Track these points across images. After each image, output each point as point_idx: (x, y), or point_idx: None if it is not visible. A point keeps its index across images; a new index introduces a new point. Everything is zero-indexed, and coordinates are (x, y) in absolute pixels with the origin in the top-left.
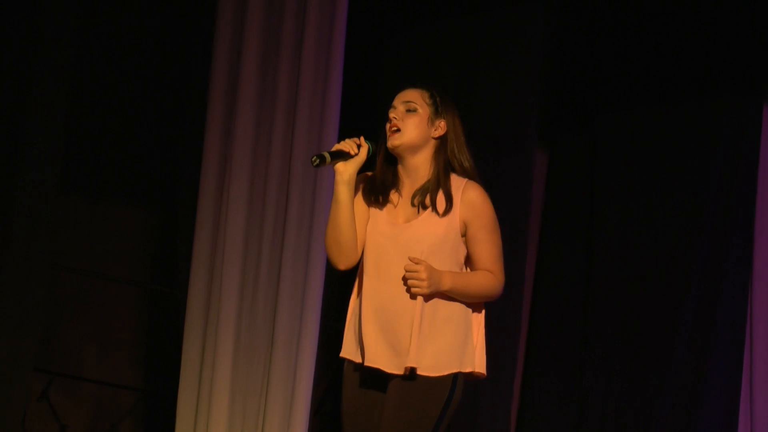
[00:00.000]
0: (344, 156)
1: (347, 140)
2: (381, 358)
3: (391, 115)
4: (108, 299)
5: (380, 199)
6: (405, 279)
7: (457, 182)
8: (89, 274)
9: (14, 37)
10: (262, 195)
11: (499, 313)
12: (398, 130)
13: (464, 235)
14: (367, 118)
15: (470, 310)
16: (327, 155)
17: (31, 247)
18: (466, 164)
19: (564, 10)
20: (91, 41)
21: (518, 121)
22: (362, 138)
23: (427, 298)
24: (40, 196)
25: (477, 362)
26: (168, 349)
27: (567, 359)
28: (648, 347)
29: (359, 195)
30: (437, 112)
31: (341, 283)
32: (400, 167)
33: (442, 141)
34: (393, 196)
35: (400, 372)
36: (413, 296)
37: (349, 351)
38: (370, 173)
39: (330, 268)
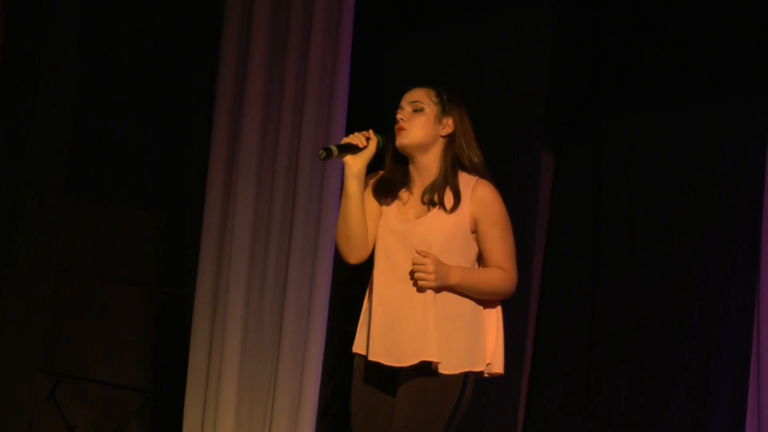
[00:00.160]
0: (353, 149)
1: (356, 133)
2: (388, 353)
3: (399, 116)
4: (114, 300)
5: (391, 197)
6: (412, 272)
7: (466, 179)
8: (96, 275)
9: (21, 40)
10: (269, 196)
11: (506, 314)
12: (405, 130)
13: (475, 232)
14: (373, 117)
15: (482, 308)
16: (334, 148)
17: (37, 249)
18: (476, 159)
19: (571, 11)
20: (96, 43)
21: (525, 123)
22: (371, 131)
23: (438, 294)
24: (46, 198)
25: (495, 361)
26: (175, 350)
27: (574, 360)
28: (655, 348)
29: (370, 193)
30: (444, 110)
31: (348, 284)
32: (410, 166)
33: (450, 138)
34: (403, 194)
35: (409, 364)
36: (422, 290)
37: (360, 346)
38: (381, 171)
39: (337, 269)
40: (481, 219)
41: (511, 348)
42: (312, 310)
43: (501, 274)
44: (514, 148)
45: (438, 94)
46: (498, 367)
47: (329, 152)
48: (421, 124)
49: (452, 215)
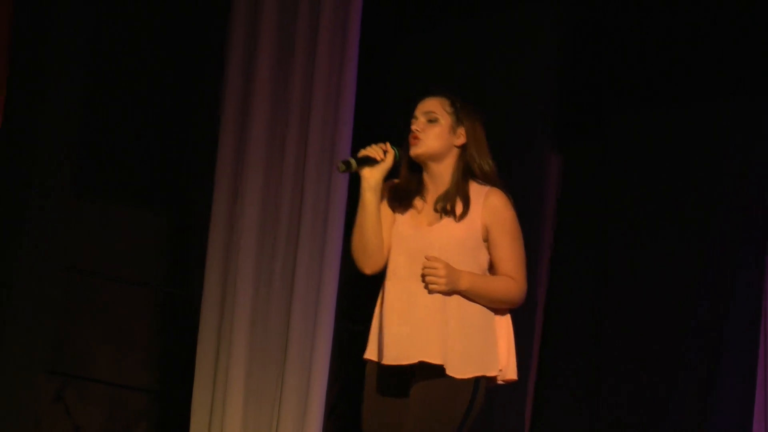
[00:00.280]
0: (370, 162)
1: (373, 146)
2: (401, 356)
3: (413, 126)
4: (122, 302)
5: (405, 204)
6: (423, 276)
7: (478, 188)
8: (103, 276)
9: (28, 40)
10: (276, 197)
11: (512, 316)
12: (420, 140)
13: (486, 240)
14: (379, 118)
15: (493, 314)
16: (353, 161)
17: (45, 250)
18: (486, 168)
19: (577, 12)
20: (104, 43)
21: (531, 123)
22: (388, 144)
23: (449, 299)
24: (53, 199)
25: (508, 366)
26: (182, 352)
27: (580, 362)
28: (662, 347)
29: (385, 202)
30: (458, 120)
31: (355, 287)
32: (425, 174)
33: (463, 148)
34: (417, 202)
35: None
36: (434, 294)
37: (372, 353)
38: (396, 180)
39: (344, 270)
40: (492, 227)
41: (517, 350)
42: (319, 311)
43: (510, 283)
44: (519, 149)
45: (452, 104)
46: (511, 373)
47: (348, 165)
48: (436, 134)
49: (463, 223)
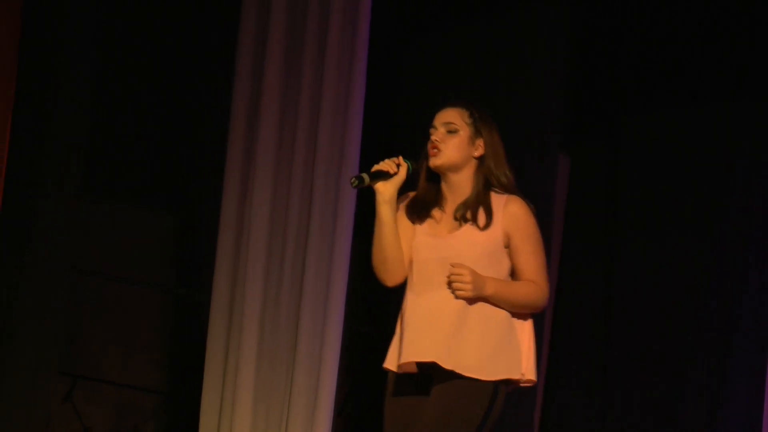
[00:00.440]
0: (384, 176)
1: (386, 160)
2: (419, 353)
3: (433, 137)
4: (131, 302)
5: (423, 215)
6: (449, 283)
7: (498, 198)
8: (112, 277)
9: (37, 40)
10: (286, 198)
11: None
12: (440, 150)
13: (507, 246)
14: (388, 119)
15: (515, 319)
16: (366, 176)
17: (53, 251)
18: (504, 179)
19: (587, 13)
20: (112, 45)
21: (541, 125)
22: (401, 157)
23: (472, 305)
24: (62, 200)
25: (530, 369)
26: (191, 353)
27: (590, 363)
28: (670, 351)
29: (403, 214)
30: (477, 131)
31: (364, 287)
32: (443, 184)
33: (481, 159)
34: (436, 212)
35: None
36: (458, 301)
37: (392, 362)
38: (412, 193)
39: (352, 271)
40: (513, 234)
41: None
42: (328, 312)
43: (533, 287)
44: (529, 150)
45: (471, 115)
46: (531, 374)
47: (361, 180)
48: (455, 145)
49: (484, 231)
